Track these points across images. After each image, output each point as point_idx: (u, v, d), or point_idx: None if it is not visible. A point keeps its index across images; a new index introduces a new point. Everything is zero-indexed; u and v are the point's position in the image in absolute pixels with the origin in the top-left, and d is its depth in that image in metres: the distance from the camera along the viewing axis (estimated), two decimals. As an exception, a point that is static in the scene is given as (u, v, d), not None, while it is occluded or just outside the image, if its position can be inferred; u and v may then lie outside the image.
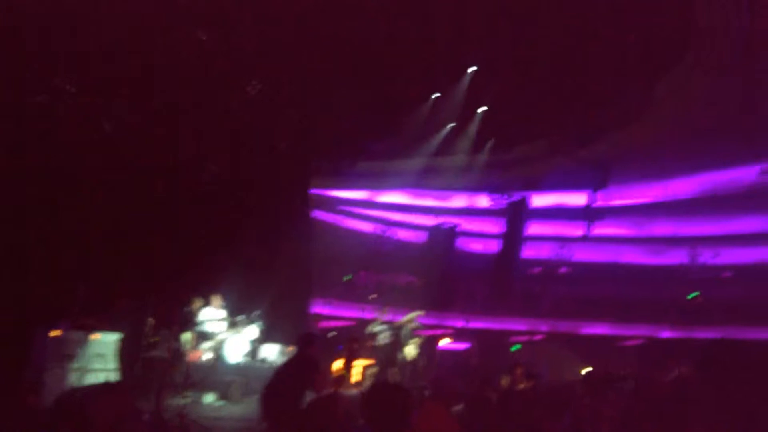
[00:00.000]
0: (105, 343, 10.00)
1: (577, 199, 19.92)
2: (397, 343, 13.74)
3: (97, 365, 9.67)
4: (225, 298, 12.68)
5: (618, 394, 9.12)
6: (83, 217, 11.01)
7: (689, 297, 19.75)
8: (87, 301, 10.31)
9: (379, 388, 4.21)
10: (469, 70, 16.38)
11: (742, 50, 13.09)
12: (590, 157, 17.76)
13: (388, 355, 13.42)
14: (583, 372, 13.00)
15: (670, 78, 14.76)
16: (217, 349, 12.13)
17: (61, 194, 10.74)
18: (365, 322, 14.55)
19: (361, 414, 4.00)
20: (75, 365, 9.45)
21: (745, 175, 16.68)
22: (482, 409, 8.03)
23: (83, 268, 10.70)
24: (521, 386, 10.93)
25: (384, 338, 13.55)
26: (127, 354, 10.38)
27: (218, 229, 13.47)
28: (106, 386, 5.21)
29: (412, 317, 14.26)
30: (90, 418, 3.02)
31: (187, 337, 11.56)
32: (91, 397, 3.23)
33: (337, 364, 13.23)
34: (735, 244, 18.97)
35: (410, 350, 14.42)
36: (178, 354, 10.92)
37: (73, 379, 9.26)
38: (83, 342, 9.75)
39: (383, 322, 13.78)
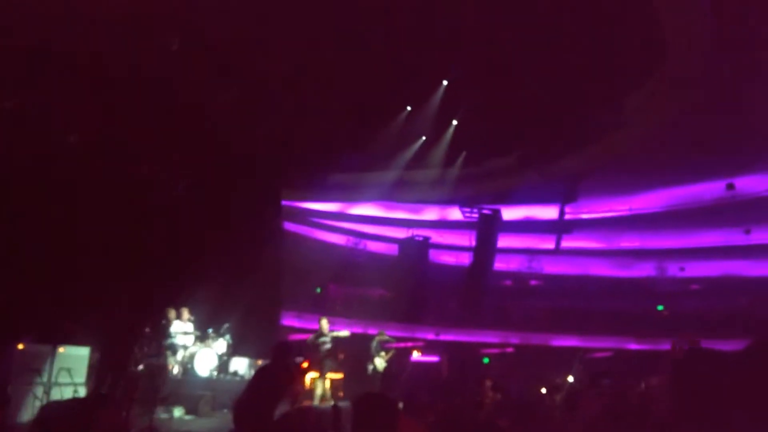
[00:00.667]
0: (73, 356, 9.79)
1: (547, 212, 20.12)
2: (333, 354, 13.38)
3: (64, 379, 9.46)
4: (193, 311, 12.56)
5: (599, 392, 9.17)
6: (51, 227, 10.81)
7: (658, 309, 20.05)
8: (55, 313, 10.11)
9: (366, 400, 4.18)
10: (442, 84, 16.53)
11: (707, 67, 13.39)
12: (560, 171, 17.97)
13: (322, 365, 13.08)
14: (558, 383, 13.09)
15: (638, 94, 15.03)
16: (186, 363, 11.98)
17: (29, 204, 10.53)
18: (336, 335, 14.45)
19: (333, 426, 3.97)
20: (41, 379, 9.24)
21: (711, 190, 16.98)
22: (452, 422, 8.03)
23: (50, 279, 10.49)
24: (490, 399, 11.01)
25: (324, 349, 13.16)
26: (98, 367, 10.21)
27: (188, 241, 13.31)
28: (97, 399, 5.10)
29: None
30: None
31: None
32: (83, 410, 3.17)
33: (309, 377, 13.18)
34: (701, 257, 19.31)
35: (380, 363, 14.40)
36: (155, 367, 10.74)
37: (39, 394, 9.05)
38: (50, 355, 9.52)
39: (323, 333, 13.38)
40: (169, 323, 11.90)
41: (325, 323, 13.28)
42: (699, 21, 12.38)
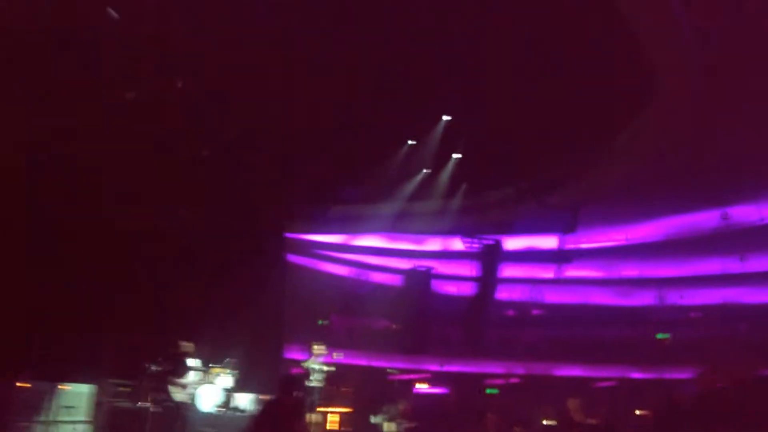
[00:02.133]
0: (75, 394, 9.67)
1: (547, 242, 20.29)
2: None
3: (65, 417, 9.37)
4: (197, 345, 12.57)
5: None
6: (47, 260, 10.74)
7: (658, 337, 20.10)
8: (50, 350, 9.90)
9: None
10: (443, 118, 16.83)
11: (699, 99, 13.62)
12: (559, 202, 18.18)
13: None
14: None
15: (635, 125, 15.26)
16: (190, 399, 11.96)
17: (29, 242, 10.50)
18: (341, 367, 14.40)
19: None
20: (42, 418, 9.13)
21: (706, 219, 17.22)
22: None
23: (49, 313, 10.36)
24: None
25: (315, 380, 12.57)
26: (98, 405, 10.08)
27: (191, 275, 13.36)
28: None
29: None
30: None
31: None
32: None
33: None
34: (699, 285, 19.43)
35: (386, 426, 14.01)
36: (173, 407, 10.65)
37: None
38: (51, 393, 9.43)
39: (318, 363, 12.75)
40: (187, 359, 11.73)
41: (318, 349, 12.88)
42: (687, 52, 12.63)
